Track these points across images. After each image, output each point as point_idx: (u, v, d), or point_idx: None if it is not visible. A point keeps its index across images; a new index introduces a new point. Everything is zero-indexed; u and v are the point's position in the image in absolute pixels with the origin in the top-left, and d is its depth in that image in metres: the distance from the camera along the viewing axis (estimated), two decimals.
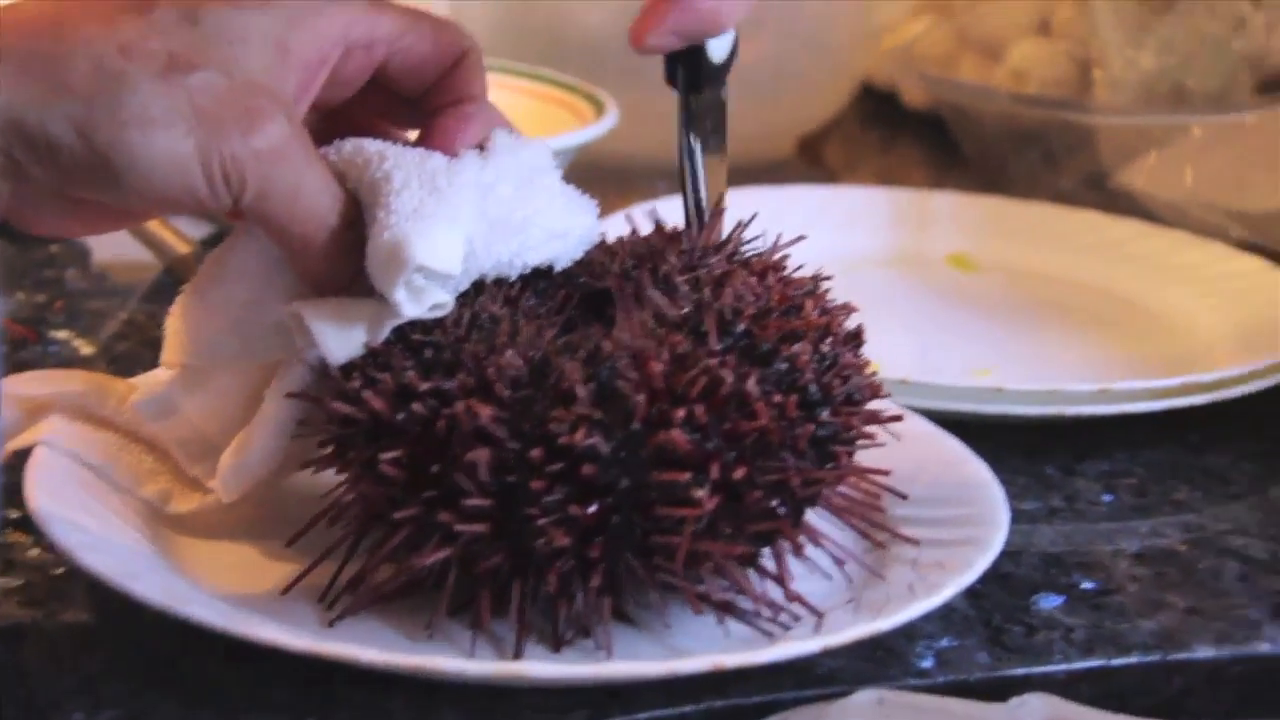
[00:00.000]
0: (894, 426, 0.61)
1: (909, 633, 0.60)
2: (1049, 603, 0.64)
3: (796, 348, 0.55)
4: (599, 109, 1.01)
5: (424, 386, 0.54)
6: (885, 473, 0.60)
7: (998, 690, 0.58)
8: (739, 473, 0.53)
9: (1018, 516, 0.69)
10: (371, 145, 0.58)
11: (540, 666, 0.52)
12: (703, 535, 0.54)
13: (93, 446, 0.61)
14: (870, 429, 0.59)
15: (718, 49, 0.64)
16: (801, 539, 0.57)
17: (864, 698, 0.56)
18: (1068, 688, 0.59)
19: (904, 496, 0.63)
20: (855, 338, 0.60)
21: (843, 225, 1.01)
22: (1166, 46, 1.07)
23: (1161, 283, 0.94)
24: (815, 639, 0.55)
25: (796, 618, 0.57)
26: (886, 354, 0.81)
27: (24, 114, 0.52)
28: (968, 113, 1.14)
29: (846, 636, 0.55)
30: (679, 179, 0.65)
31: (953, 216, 1.02)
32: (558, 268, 0.60)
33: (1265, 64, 1.05)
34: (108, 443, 0.62)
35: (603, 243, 0.62)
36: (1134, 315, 0.93)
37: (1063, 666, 0.60)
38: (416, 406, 0.54)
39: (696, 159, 0.65)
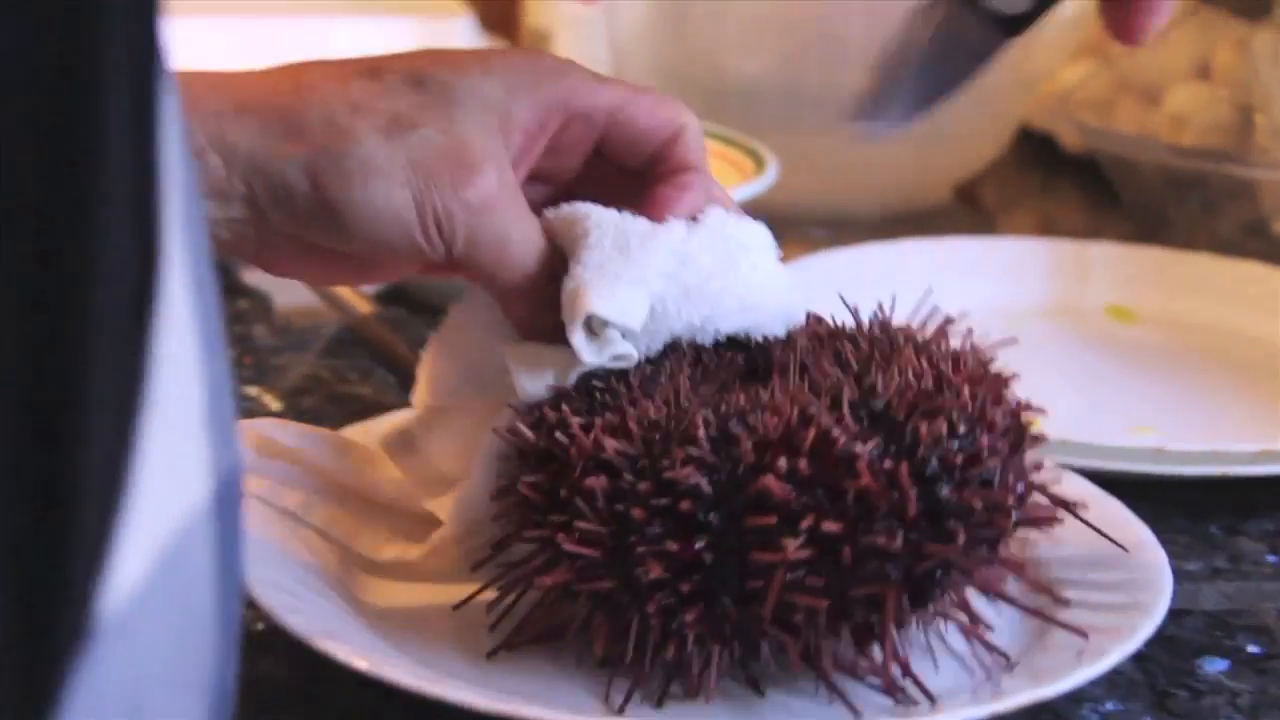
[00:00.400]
0: (1055, 489, 0.63)
1: (1075, 696, 0.61)
2: (1214, 666, 0.64)
3: (926, 423, 0.56)
4: (759, 163, 1.03)
5: (574, 421, 0.58)
6: (1020, 566, 0.60)
7: None
8: (831, 526, 0.54)
9: (1181, 577, 0.70)
10: (584, 208, 0.62)
11: None
12: (795, 588, 0.55)
13: (314, 503, 0.65)
14: (1035, 514, 0.60)
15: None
16: (925, 614, 0.58)
17: None
18: None
19: (1063, 602, 0.62)
20: (1017, 432, 0.60)
21: (1002, 276, 1.02)
22: None
23: None
24: (985, 705, 0.56)
25: (913, 700, 0.58)
26: (1046, 410, 0.83)
27: (265, 162, 0.58)
28: (1125, 161, 1.14)
29: (1015, 701, 0.56)
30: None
31: (1112, 267, 1.03)
32: (754, 338, 0.62)
33: None
34: (330, 498, 0.66)
35: (809, 321, 0.64)
36: None
37: None
38: (559, 435, 0.58)
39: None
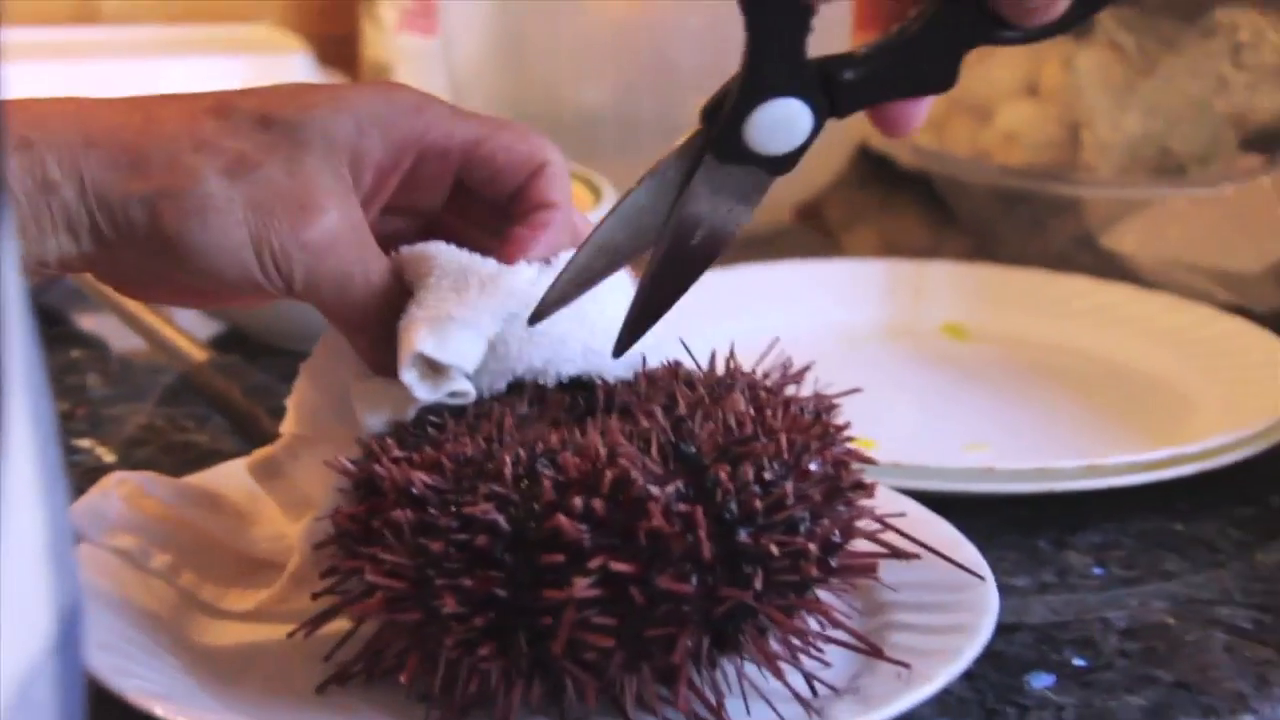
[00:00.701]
0: (892, 508, 0.65)
1: (907, 717, 0.62)
2: (1040, 682, 0.66)
3: (729, 467, 0.57)
4: (595, 193, 1.04)
5: (395, 454, 0.59)
6: (827, 611, 0.60)
7: None
8: (620, 566, 0.55)
9: (1010, 592, 0.72)
10: (434, 248, 0.63)
11: None
12: (585, 626, 0.56)
13: (153, 542, 0.66)
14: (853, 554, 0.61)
15: (763, 134, 0.58)
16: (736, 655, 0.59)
17: None
18: None
19: (877, 653, 0.62)
20: (833, 481, 0.60)
21: (840, 297, 1.03)
22: (1151, 108, 1.10)
23: (1150, 347, 0.97)
24: None
25: None
26: (884, 430, 0.84)
27: (110, 196, 0.59)
28: (957, 180, 1.17)
29: None
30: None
31: (947, 286, 1.05)
32: (601, 379, 0.64)
33: (1248, 122, 1.08)
34: (199, 555, 0.66)
35: (665, 368, 0.65)
36: (1124, 380, 0.95)
37: None
38: (377, 468, 0.59)
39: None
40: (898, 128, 0.60)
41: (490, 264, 0.63)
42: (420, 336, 0.60)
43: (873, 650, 0.62)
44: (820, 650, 0.61)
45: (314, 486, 0.64)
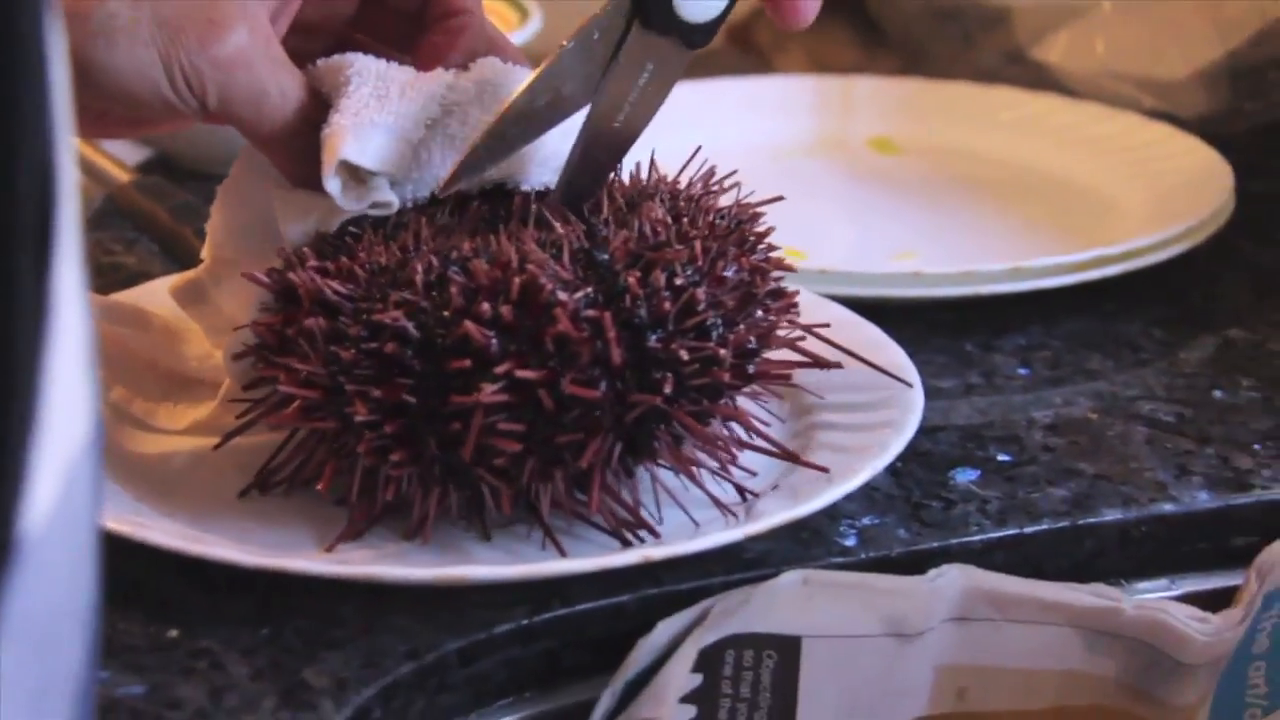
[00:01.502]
0: (818, 314, 0.66)
1: (833, 513, 0.63)
2: (965, 477, 0.67)
3: (640, 273, 0.57)
4: (523, 14, 1.03)
5: (311, 263, 0.59)
6: (740, 416, 0.61)
7: (917, 563, 0.62)
8: (527, 372, 0.56)
9: (937, 394, 0.73)
10: (349, 57, 0.62)
11: (477, 570, 0.56)
12: (493, 431, 0.56)
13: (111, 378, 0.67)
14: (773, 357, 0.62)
15: (700, 8, 0.61)
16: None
17: (789, 579, 0.59)
18: (983, 557, 0.63)
19: (791, 456, 0.62)
20: (747, 287, 0.60)
21: (770, 114, 1.03)
22: None
23: (1079, 155, 0.97)
24: (739, 528, 0.58)
25: (640, 537, 0.59)
26: (814, 243, 0.85)
27: None
28: None
29: (768, 524, 0.59)
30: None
31: (874, 100, 1.04)
32: (523, 187, 0.63)
33: None
34: (130, 372, 0.67)
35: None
36: (1052, 189, 0.96)
37: (979, 537, 0.63)
38: (291, 276, 0.59)
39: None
40: (795, 17, 0.61)
41: (408, 71, 0.62)
42: (345, 143, 0.59)
43: (788, 455, 0.62)
44: (734, 455, 0.61)
45: (237, 308, 0.64)
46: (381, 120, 0.60)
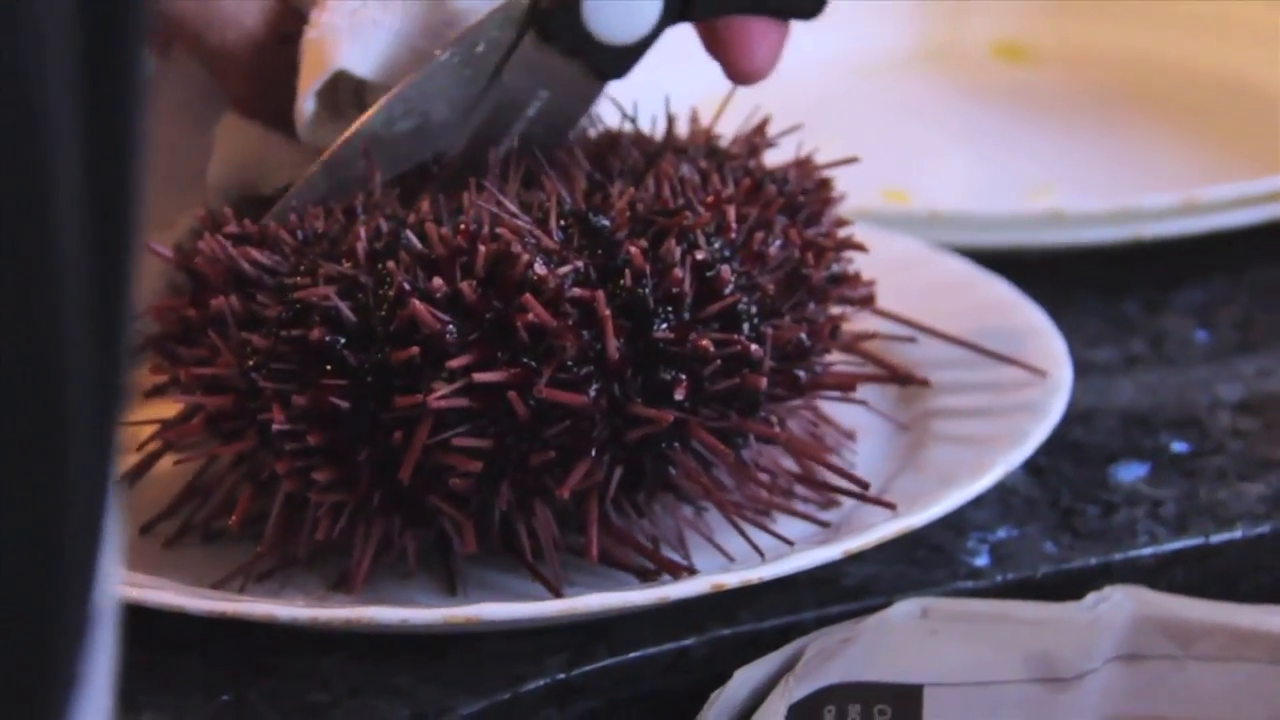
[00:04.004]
0: (923, 270, 0.66)
1: (958, 525, 0.63)
2: (1130, 473, 0.67)
3: (642, 245, 0.57)
4: None
5: (229, 229, 0.59)
6: (780, 437, 0.61)
7: (1071, 586, 0.62)
8: (489, 375, 0.55)
9: (1090, 369, 0.73)
10: None
11: (496, 609, 0.57)
12: (446, 447, 0.55)
13: None
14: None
15: (601, 15, 0.61)
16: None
17: (904, 611, 0.60)
18: (1158, 575, 0.63)
19: (861, 487, 0.62)
20: (795, 270, 0.60)
21: (857, 14, 1.03)
22: None
23: (1258, 57, 0.97)
24: (836, 544, 0.59)
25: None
26: (921, 180, 0.85)
27: None
28: None
29: (874, 537, 0.59)
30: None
31: None
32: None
33: None
34: None
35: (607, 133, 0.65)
36: (1228, 101, 0.96)
37: (1150, 550, 0.64)
38: (202, 244, 0.59)
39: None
40: (747, 61, 0.61)
41: None
42: (340, 48, 0.59)
43: (856, 492, 0.61)
44: (771, 494, 0.61)
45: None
46: (386, 21, 0.60)
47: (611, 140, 0.65)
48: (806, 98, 0.88)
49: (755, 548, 0.60)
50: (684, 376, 0.56)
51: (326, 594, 0.59)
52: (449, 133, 0.61)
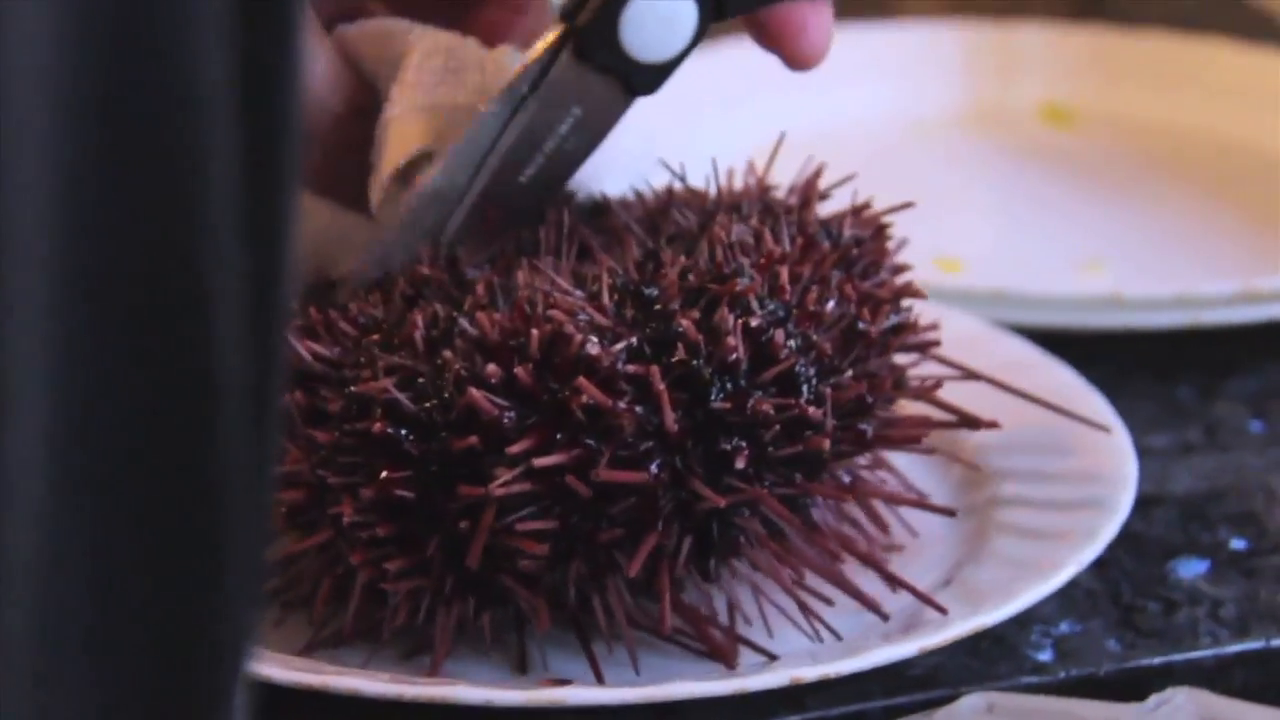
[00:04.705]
0: (982, 349, 0.67)
1: (1020, 617, 0.64)
2: (1190, 570, 0.68)
3: (696, 313, 0.57)
4: None
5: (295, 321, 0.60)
6: (845, 495, 0.62)
7: (1134, 685, 0.63)
8: (549, 459, 0.56)
9: (1146, 456, 0.73)
10: (398, 23, 0.63)
11: (579, 692, 0.57)
12: (507, 531, 0.56)
13: None
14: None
15: (639, 32, 0.62)
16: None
17: (971, 705, 0.60)
18: (1219, 677, 0.64)
19: (896, 582, 0.63)
20: (850, 326, 0.61)
21: (905, 74, 1.04)
22: None
23: None
24: (913, 640, 0.60)
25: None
26: (966, 246, 0.86)
27: None
28: None
29: (947, 635, 0.60)
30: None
31: (1044, 55, 1.05)
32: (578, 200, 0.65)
33: None
34: None
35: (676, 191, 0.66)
36: (1272, 176, 0.96)
37: (1211, 651, 0.65)
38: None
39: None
40: (805, 45, 0.62)
41: (474, 44, 0.64)
42: (425, 129, 0.60)
43: (920, 595, 0.62)
44: (841, 553, 0.62)
45: None
46: (467, 103, 0.61)
47: (664, 202, 0.65)
48: (857, 154, 0.88)
49: (833, 631, 0.61)
50: (745, 444, 0.57)
51: (403, 661, 0.60)
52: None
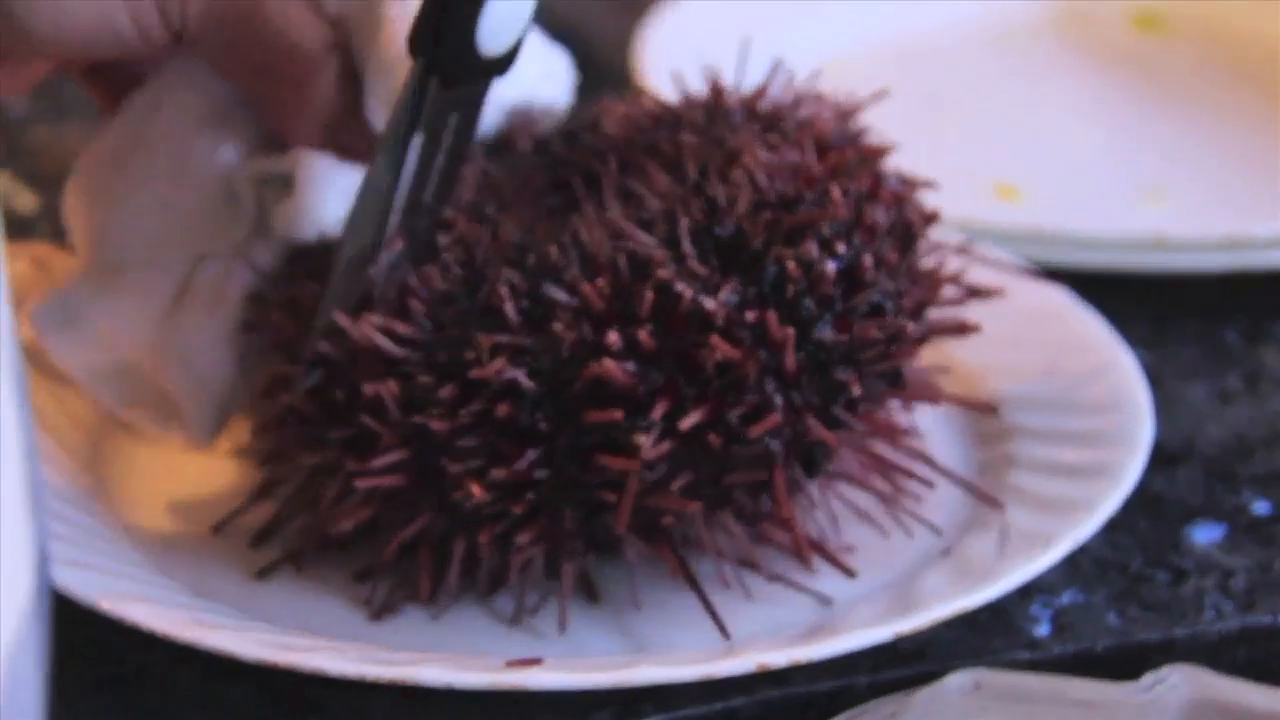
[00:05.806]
0: (1008, 303, 0.67)
1: (1024, 587, 0.63)
2: (1205, 535, 0.67)
3: (788, 250, 0.58)
4: None
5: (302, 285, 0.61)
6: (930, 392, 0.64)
7: (1130, 662, 0.62)
8: (694, 416, 0.57)
9: (1178, 405, 0.72)
10: None
11: (542, 675, 0.58)
12: (656, 491, 0.57)
13: None
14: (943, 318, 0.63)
15: (492, 37, 0.62)
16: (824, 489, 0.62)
17: (955, 684, 0.59)
18: (1219, 654, 0.63)
19: (929, 484, 0.65)
20: (905, 230, 0.62)
21: None
22: None
23: None
24: (888, 625, 0.59)
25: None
26: (1034, 171, 0.84)
27: None
28: None
29: (923, 620, 0.59)
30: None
31: None
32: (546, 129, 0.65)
33: None
34: None
35: (617, 109, 0.66)
36: None
37: (1216, 627, 0.64)
38: (347, 326, 0.59)
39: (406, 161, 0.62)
40: None
41: None
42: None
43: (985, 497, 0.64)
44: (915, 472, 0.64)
45: (126, 334, 0.64)
46: None
47: (653, 117, 0.65)
48: (937, 65, 0.88)
49: (931, 526, 0.64)
50: (854, 371, 0.59)
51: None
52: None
